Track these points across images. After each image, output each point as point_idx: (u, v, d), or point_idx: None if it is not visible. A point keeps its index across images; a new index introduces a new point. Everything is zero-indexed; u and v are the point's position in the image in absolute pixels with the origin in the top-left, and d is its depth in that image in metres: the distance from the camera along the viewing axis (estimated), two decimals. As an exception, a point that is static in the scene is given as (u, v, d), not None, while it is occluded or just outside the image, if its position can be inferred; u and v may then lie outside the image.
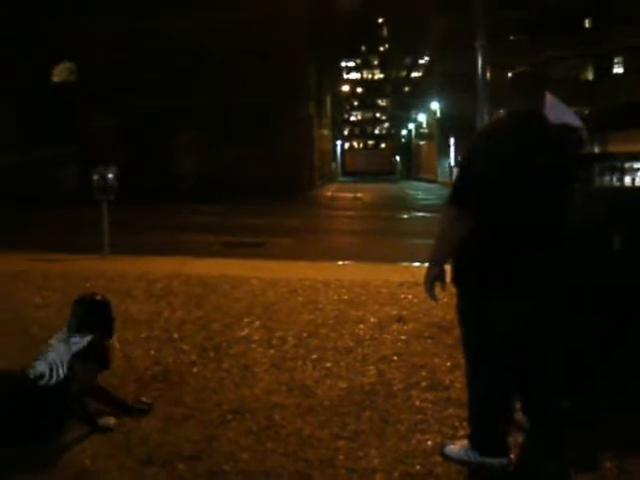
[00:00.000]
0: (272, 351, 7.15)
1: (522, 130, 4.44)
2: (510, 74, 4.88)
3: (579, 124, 4.84)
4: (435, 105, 65.33)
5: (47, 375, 5.15)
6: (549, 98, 4.71)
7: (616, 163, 8.60)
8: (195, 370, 6.54)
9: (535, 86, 4.58)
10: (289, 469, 4.60)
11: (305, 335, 7.68)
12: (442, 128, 62.00)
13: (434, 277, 4.52)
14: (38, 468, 4.59)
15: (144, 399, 5.69)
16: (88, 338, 5.34)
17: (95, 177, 13.51)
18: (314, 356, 6.98)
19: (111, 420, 5.27)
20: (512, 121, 4.49)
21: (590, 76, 40.35)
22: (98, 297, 5.67)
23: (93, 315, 5.49)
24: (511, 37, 49.19)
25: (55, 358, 5.21)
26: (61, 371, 5.17)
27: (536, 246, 4.41)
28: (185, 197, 32.05)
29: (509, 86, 4.60)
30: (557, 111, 4.77)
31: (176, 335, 7.61)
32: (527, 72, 4.81)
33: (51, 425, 5.09)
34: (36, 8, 35.32)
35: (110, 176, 13.53)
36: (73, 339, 5.32)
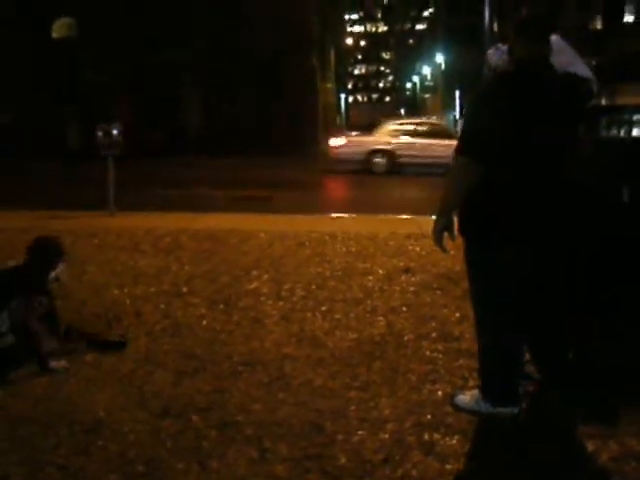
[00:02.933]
0: (281, 303, 7.17)
1: (528, 80, 4.39)
2: (514, 20, 4.83)
3: (589, 74, 4.76)
4: (440, 58, 64.87)
5: None
6: (557, 41, 4.65)
7: (624, 116, 8.52)
8: (205, 323, 6.57)
9: (541, 32, 4.50)
10: (301, 419, 4.62)
11: (314, 287, 7.70)
12: (447, 81, 61.65)
13: (443, 227, 4.50)
14: (50, 422, 4.62)
15: (121, 333, 5.88)
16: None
17: (99, 133, 13.46)
18: (323, 308, 7.00)
19: (61, 362, 5.48)
20: (517, 71, 4.44)
21: (599, 25, 39.94)
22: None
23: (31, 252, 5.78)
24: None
25: None
26: None
27: (543, 195, 4.39)
28: (190, 151, 31.94)
29: (513, 33, 4.54)
30: (565, 55, 4.68)
31: (185, 289, 7.63)
32: (532, 18, 4.74)
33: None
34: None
35: (114, 132, 13.48)
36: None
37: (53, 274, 5.78)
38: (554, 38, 4.57)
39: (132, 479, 3.95)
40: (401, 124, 27.21)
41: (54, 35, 12.98)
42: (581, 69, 4.71)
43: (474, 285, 4.66)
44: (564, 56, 4.62)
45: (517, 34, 4.50)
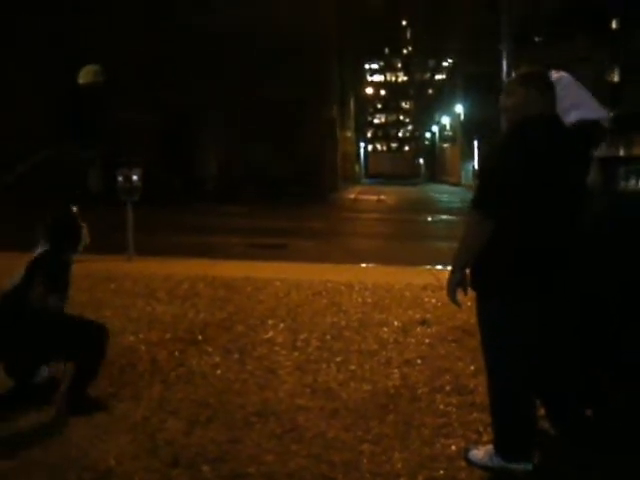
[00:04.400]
0: (296, 353, 7.16)
1: (539, 133, 4.41)
2: (518, 75, 4.85)
3: (598, 112, 4.77)
4: (459, 108, 65.21)
5: None
6: (564, 78, 4.68)
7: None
8: (219, 372, 6.56)
9: (547, 84, 4.56)
10: (313, 472, 4.60)
11: (329, 338, 7.69)
12: (466, 131, 61.89)
13: (457, 282, 4.50)
14: (60, 467, 4.61)
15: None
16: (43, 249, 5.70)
17: (120, 178, 13.54)
18: (338, 359, 6.98)
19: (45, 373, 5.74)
20: (527, 124, 4.46)
21: (616, 77, 40.06)
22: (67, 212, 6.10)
23: (56, 227, 5.84)
24: (536, 38, 48.87)
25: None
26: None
27: (557, 250, 4.39)
28: (208, 198, 32.09)
29: (519, 86, 4.58)
30: (568, 99, 4.68)
31: (200, 337, 7.63)
32: (537, 71, 4.76)
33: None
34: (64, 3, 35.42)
35: (135, 177, 13.56)
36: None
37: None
38: (557, 78, 4.61)
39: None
40: None
41: (80, 81, 13.21)
42: (587, 110, 4.71)
43: (486, 339, 4.65)
44: (566, 101, 4.64)
45: (524, 86, 4.54)
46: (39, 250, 5.71)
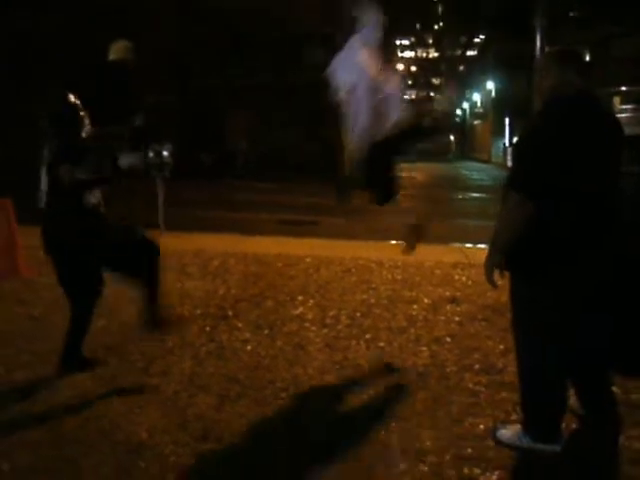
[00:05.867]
0: (325, 330, 7.18)
1: (580, 110, 4.38)
2: (553, 53, 4.80)
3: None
4: (490, 84, 64.61)
5: None
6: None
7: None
8: (249, 348, 6.60)
9: (584, 63, 4.52)
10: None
11: (358, 315, 7.71)
12: (497, 108, 61.30)
13: (495, 263, 4.49)
14: (94, 441, 4.67)
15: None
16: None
17: (150, 154, 13.56)
18: (367, 336, 7.00)
19: None
20: (566, 106, 4.42)
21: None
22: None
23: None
24: (571, 13, 48.16)
25: None
26: None
27: (594, 229, 4.37)
28: (239, 175, 32.09)
29: (556, 64, 4.54)
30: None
31: (231, 312, 7.68)
32: (572, 49, 4.71)
33: None
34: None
35: (165, 153, 13.57)
36: None
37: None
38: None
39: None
40: None
41: (111, 57, 13.15)
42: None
43: (518, 319, 4.64)
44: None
45: (559, 66, 4.51)
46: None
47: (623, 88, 35.21)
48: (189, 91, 36.88)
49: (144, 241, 6.01)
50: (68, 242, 5.75)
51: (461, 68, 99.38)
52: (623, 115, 29.47)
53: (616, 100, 34.11)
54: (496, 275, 4.53)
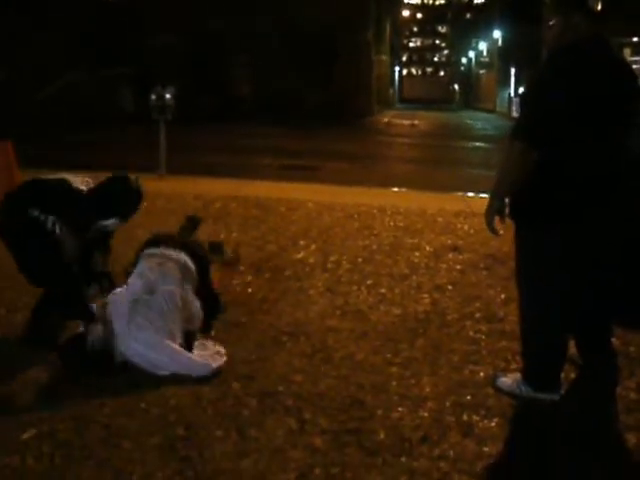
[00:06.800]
0: (327, 275, 7.18)
1: (590, 56, 4.31)
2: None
3: None
4: (497, 33, 64.08)
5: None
6: None
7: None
8: (250, 291, 6.60)
9: (588, 10, 4.43)
10: (342, 393, 4.64)
11: (360, 260, 7.71)
12: (503, 57, 60.91)
13: (495, 210, 4.46)
14: (96, 382, 4.69)
15: None
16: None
17: (153, 97, 13.50)
18: (369, 281, 7.00)
19: None
20: (578, 47, 4.34)
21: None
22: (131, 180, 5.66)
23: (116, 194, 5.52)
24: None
25: None
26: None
27: (602, 178, 4.32)
28: (243, 119, 31.94)
29: (570, 8, 4.44)
30: None
31: (232, 255, 7.66)
32: None
33: None
34: None
35: (168, 96, 13.51)
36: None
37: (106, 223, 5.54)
38: None
39: (172, 442, 4.00)
40: None
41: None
42: None
43: (522, 268, 4.62)
44: None
45: (562, 13, 4.42)
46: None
47: (635, 39, 34.87)
48: (191, 33, 36.53)
49: None
50: None
51: (468, 16, 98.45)
52: (634, 67, 29.20)
53: (627, 51, 33.77)
54: (497, 223, 4.51)
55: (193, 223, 6.41)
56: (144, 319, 4.87)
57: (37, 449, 3.90)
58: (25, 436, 4.02)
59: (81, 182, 5.43)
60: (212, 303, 5.61)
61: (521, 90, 41.93)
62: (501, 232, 4.55)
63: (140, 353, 4.81)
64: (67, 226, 5.20)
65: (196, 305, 5.22)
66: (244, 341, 5.42)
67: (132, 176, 5.67)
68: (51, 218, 5.12)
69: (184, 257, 5.35)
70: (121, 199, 5.53)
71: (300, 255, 7.84)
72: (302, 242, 8.34)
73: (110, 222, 5.53)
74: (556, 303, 4.47)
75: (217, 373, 4.81)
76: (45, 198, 5.23)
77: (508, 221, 4.57)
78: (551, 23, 4.49)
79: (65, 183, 5.38)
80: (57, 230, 5.13)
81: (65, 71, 33.03)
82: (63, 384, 4.68)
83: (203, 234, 8.43)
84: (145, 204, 5.92)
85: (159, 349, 4.82)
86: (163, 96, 13.50)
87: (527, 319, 4.62)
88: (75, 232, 5.28)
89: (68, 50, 33.05)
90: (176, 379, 4.72)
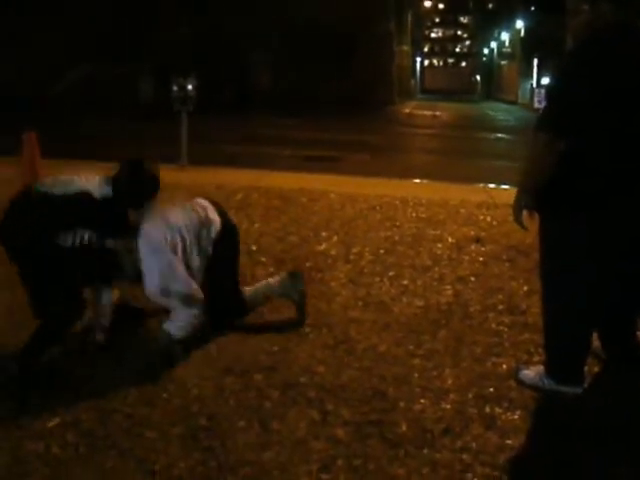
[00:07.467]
0: (349, 266, 7.18)
1: (617, 45, 4.26)
2: None
3: None
4: (519, 24, 63.75)
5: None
6: None
7: None
8: (273, 282, 6.59)
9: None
10: (364, 385, 4.64)
11: (382, 252, 7.69)
12: (525, 48, 60.57)
13: (523, 204, 4.43)
14: (117, 378, 4.70)
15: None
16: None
17: (174, 88, 13.53)
18: (391, 273, 6.99)
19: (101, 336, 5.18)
20: (595, 42, 4.30)
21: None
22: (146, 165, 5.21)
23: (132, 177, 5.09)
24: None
25: None
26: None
27: (629, 169, 4.28)
28: (262, 111, 31.94)
29: (586, 3, 4.39)
30: None
31: (254, 247, 7.67)
32: None
33: None
34: None
35: (189, 87, 13.53)
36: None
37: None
38: None
39: (194, 432, 4.01)
40: None
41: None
42: None
43: (547, 259, 4.59)
44: None
45: (588, 2, 4.37)
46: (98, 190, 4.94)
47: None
48: (214, 27, 36.56)
49: None
50: None
51: (490, 6, 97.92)
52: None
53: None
54: (525, 217, 4.48)
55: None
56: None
57: (61, 437, 3.93)
58: (50, 424, 4.05)
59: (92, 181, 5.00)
60: (233, 301, 5.50)
61: (544, 81, 41.77)
62: (524, 223, 4.52)
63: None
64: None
65: (181, 269, 5.00)
66: (266, 332, 5.42)
67: (148, 160, 5.28)
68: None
69: (217, 221, 5.36)
70: (135, 186, 5.11)
71: (322, 246, 7.83)
72: (324, 233, 8.33)
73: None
74: (582, 294, 4.43)
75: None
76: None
77: (535, 212, 4.54)
78: (576, 11, 4.45)
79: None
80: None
81: (80, 64, 33.20)
82: (86, 374, 4.71)
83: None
84: (165, 195, 5.86)
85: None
86: (185, 87, 13.52)
87: (551, 311, 4.59)
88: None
89: (85, 44, 33.20)
90: (198, 370, 4.75)
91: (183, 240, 5.05)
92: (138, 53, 34.91)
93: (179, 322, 4.98)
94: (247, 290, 5.58)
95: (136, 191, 5.08)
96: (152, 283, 4.90)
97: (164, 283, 4.89)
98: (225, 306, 5.46)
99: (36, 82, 32.14)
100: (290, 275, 5.72)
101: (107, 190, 4.91)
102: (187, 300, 4.94)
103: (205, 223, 5.25)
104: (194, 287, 4.99)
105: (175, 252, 4.98)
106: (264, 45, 38.78)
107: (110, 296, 5.21)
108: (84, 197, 4.81)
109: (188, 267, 5.07)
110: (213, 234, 5.27)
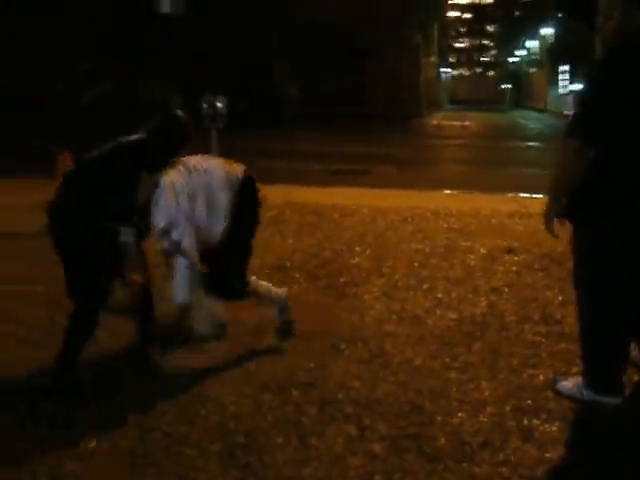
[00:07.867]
0: (383, 280, 7.18)
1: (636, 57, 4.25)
2: None
3: None
4: (547, 30, 63.46)
5: None
6: None
7: None
8: (306, 298, 6.61)
9: None
10: (400, 399, 4.64)
11: (416, 264, 7.69)
12: (553, 55, 60.30)
13: (554, 212, 4.42)
14: (159, 391, 4.74)
15: None
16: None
17: (204, 105, 13.56)
18: (425, 286, 6.98)
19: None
20: (625, 48, 4.29)
21: None
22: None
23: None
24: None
25: None
26: None
27: None
28: (289, 124, 31.93)
29: (617, 8, 4.39)
30: None
31: (288, 263, 7.69)
32: None
33: None
34: None
35: (219, 105, 13.57)
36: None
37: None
38: None
39: (232, 449, 4.02)
40: None
41: (162, 10, 13.13)
42: None
43: (579, 268, 4.57)
44: None
45: (619, 7, 4.36)
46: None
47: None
48: (234, 44, 36.61)
49: None
50: None
51: (517, 14, 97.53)
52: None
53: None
54: (556, 224, 4.47)
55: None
56: None
57: (101, 458, 3.96)
58: (90, 445, 4.08)
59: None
60: (236, 276, 5.49)
61: (572, 88, 41.53)
62: (556, 231, 4.50)
63: None
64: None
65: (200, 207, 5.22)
66: (303, 348, 5.43)
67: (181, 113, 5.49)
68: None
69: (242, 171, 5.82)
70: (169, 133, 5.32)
71: (355, 261, 7.84)
72: (357, 248, 8.34)
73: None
74: (611, 300, 4.40)
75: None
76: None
77: (566, 220, 4.52)
78: (607, 16, 4.44)
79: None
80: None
81: (105, 82, 33.37)
82: (124, 393, 4.75)
83: (256, 240, 8.51)
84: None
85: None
86: (214, 104, 13.55)
87: (586, 321, 4.57)
88: None
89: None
90: (236, 388, 4.77)
91: (205, 186, 5.29)
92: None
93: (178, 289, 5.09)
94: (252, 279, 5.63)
95: (169, 138, 5.28)
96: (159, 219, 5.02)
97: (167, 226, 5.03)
98: (227, 279, 5.46)
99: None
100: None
101: (142, 136, 5.26)
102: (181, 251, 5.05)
103: (230, 174, 5.67)
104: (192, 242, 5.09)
105: (194, 197, 5.17)
106: (289, 54, 38.78)
107: (131, 235, 5.02)
108: (120, 146, 5.25)
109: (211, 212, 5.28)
110: (236, 186, 5.68)
